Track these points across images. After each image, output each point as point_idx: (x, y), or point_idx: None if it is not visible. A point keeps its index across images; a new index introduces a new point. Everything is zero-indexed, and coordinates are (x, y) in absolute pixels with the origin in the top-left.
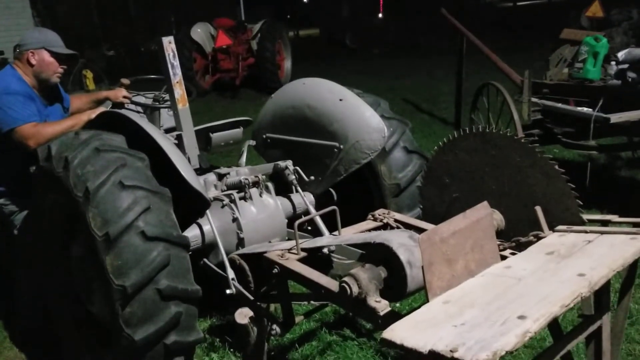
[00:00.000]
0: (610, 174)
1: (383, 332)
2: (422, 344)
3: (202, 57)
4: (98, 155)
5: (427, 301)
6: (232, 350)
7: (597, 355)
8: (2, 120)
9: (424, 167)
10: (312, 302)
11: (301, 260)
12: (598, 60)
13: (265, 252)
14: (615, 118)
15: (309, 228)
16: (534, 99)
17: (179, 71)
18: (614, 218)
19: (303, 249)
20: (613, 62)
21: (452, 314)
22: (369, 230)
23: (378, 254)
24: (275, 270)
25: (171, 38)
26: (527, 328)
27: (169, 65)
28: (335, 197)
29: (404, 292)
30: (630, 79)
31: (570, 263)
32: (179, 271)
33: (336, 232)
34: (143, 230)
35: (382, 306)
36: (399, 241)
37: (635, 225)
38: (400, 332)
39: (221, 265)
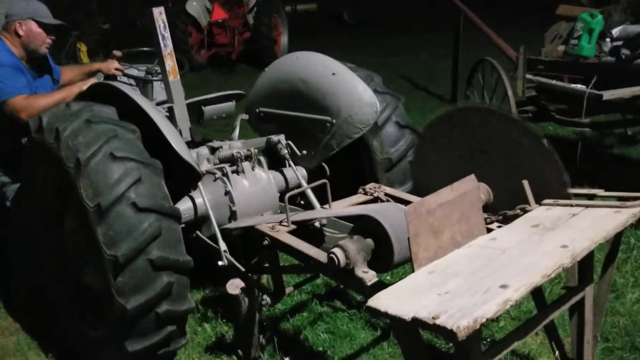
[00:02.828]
0: (603, 151)
1: (369, 301)
2: (406, 312)
3: (198, 32)
4: (89, 126)
5: (414, 271)
6: (224, 320)
7: (580, 325)
8: None
9: (415, 141)
10: (302, 273)
11: (292, 232)
12: (593, 36)
13: (256, 225)
14: (607, 95)
15: (302, 202)
16: (528, 76)
17: (169, 42)
18: (600, 192)
19: (293, 222)
20: (608, 39)
21: (437, 283)
22: (360, 203)
23: (366, 227)
24: (266, 242)
25: (161, 9)
26: (508, 297)
27: (160, 37)
28: (328, 172)
29: (390, 263)
30: (624, 56)
31: (554, 235)
32: (171, 242)
33: (327, 206)
34: (134, 201)
35: (370, 276)
36: (387, 214)
37: (620, 199)
38: (384, 301)
39: (213, 238)
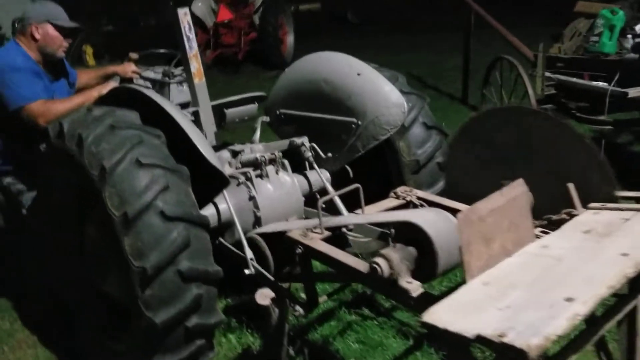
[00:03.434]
0: (623, 150)
1: (423, 315)
2: (468, 328)
3: (203, 32)
4: (113, 132)
5: (462, 282)
6: (249, 330)
7: (631, 334)
8: (10, 98)
9: (443, 142)
10: (337, 282)
11: (324, 239)
12: (614, 33)
13: (286, 231)
14: (633, 92)
15: (323, 205)
16: (547, 74)
17: (195, 44)
18: None
19: (327, 228)
20: (629, 36)
21: (494, 296)
22: (392, 208)
23: (407, 234)
24: (299, 250)
25: (186, 9)
26: (576, 311)
27: (185, 38)
28: (351, 174)
29: (435, 273)
30: None
31: (610, 242)
32: (200, 252)
33: (359, 210)
34: (162, 210)
35: (415, 287)
36: (429, 220)
37: None
38: (441, 316)
39: (238, 245)
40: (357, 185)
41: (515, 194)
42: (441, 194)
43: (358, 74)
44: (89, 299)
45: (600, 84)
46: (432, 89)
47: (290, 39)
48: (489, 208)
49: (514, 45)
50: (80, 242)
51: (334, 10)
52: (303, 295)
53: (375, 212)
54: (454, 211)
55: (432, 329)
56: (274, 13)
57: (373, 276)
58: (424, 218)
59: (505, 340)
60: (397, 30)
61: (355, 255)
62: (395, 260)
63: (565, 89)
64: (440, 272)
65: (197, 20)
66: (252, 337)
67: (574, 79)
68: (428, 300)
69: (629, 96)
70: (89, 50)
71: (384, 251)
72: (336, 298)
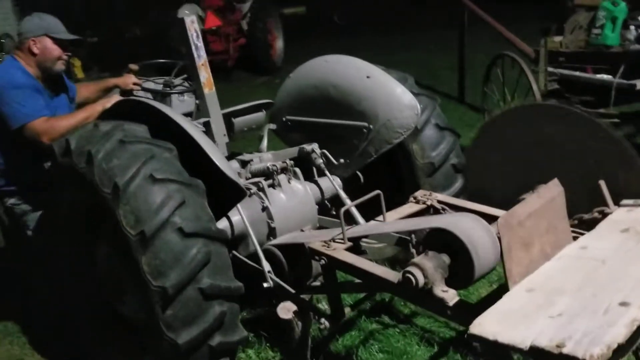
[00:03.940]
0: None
1: (470, 327)
2: (520, 339)
3: None
4: (123, 147)
5: (502, 288)
6: (268, 344)
7: None
8: (12, 116)
9: (456, 142)
10: (363, 292)
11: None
12: (617, 25)
13: (305, 242)
14: None
15: (334, 212)
16: (550, 69)
17: (203, 53)
18: None
19: (349, 238)
20: (632, 27)
21: (542, 304)
22: (413, 213)
23: (439, 240)
24: (323, 262)
25: (194, 17)
26: (634, 316)
27: (193, 47)
28: (362, 179)
29: (470, 280)
30: None
31: None
32: (220, 268)
33: (380, 217)
34: (180, 226)
35: (451, 296)
36: (461, 225)
37: None
38: (490, 327)
39: (252, 257)
40: (378, 191)
41: (552, 195)
42: (457, 195)
43: (367, 77)
44: (100, 319)
45: (605, 76)
46: (428, 88)
47: (279, 44)
48: (527, 211)
49: (512, 42)
50: (89, 261)
51: (328, 12)
52: (321, 306)
53: (401, 220)
54: (477, 214)
55: (481, 341)
56: (262, 18)
57: (406, 286)
58: (457, 224)
59: (565, 351)
60: (388, 30)
61: (376, 261)
62: (429, 269)
63: (569, 84)
64: (476, 279)
65: None
66: (272, 351)
67: (578, 73)
68: (465, 308)
69: (637, 88)
70: (77, 63)
71: (416, 260)
72: (354, 307)
